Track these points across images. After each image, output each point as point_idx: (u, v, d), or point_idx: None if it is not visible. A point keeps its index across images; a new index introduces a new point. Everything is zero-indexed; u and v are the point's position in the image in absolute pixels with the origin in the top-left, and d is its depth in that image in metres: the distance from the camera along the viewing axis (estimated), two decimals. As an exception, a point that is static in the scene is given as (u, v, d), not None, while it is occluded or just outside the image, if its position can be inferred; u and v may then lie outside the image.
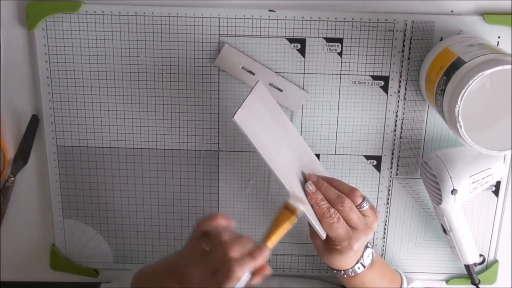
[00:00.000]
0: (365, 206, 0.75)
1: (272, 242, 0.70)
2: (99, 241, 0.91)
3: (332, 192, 0.75)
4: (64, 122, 0.86)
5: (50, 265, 0.92)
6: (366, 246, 0.80)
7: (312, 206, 0.75)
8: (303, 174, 0.77)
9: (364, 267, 0.79)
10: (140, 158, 0.87)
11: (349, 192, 0.75)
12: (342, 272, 0.80)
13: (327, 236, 0.75)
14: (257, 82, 0.76)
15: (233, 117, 0.71)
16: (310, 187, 0.75)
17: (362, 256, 0.79)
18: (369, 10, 0.81)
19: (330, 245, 0.76)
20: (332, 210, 0.74)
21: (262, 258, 0.67)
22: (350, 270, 0.79)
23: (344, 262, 0.79)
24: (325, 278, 0.93)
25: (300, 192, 0.75)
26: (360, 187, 0.85)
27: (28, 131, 0.86)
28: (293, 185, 0.74)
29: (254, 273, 0.67)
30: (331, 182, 0.76)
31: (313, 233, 0.78)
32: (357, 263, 0.79)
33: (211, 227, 0.71)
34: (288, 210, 0.72)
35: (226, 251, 0.66)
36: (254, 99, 0.75)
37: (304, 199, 0.73)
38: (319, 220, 0.75)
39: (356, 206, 0.75)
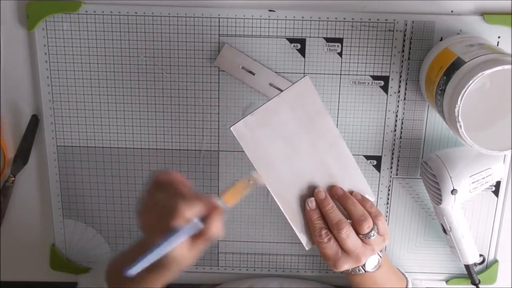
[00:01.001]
0: (372, 236, 0.74)
1: (229, 198, 0.68)
2: (99, 241, 0.91)
3: (333, 215, 0.74)
4: (64, 122, 0.86)
5: (50, 265, 0.92)
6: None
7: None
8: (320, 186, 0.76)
9: (365, 271, 0.78)
10: (140, 158, 0.87)
11: (358, 219, 0.74)
12: (350, 269, 0.78)
13: None
14: (303, 77, 0.73)
15: (230, 127, 0.71)
16: (310, 204, 0.75)
17: (364, 264, 0.77)
18: (369, 10, 0.81)
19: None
20: (324, 231, 0.74)
21: (212, 203, 0.65)
22: (351, 269, 0.78)
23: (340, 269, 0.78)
24: (324, 278, 0.93)
25: (297, 215, 0.75)
26: (360, 187, 0.85)
27: (28, 131, 0.86)
28: (289, 206, 0.75)
29: (207, 224, 0.65)
30: (344, 201, 0.75)
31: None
32: (357, 267, 0.78)
33: (166, 178, 0.69)
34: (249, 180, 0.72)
35: (175, 194, 0.65)
36: (282, 101, 0.73)
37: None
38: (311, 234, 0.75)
39: (361, 235, 0.74)
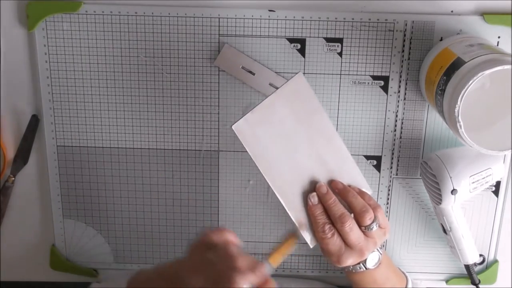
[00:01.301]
0: (374, 228, 0.74)
1: (275, 260, 0.70)
2: (99, 241, 0.91)
3: (336, 209, 0.74)
4: (64, 122, 0.86)
5: (50, 265, 0.92)
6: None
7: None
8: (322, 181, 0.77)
9: (366, 268, 0.78)
10: (140, 158, 0.87)
11: (359, 211, 0.74)
12: (351, 267, 0.78)
13: None
14: (297, 73, 0.74)
15: (231, 125, 0.71)
16: (312, 199, 0.75)
17: (365, 260, 0.78)
18: (369, 10, 0.81)
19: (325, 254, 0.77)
20: (327, 226, 0.74)
21: (263, 273, 0.65)
22: (351, 267, 0.78)
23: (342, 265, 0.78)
24: (325, 278, 0.93)
25: (300, 212, 0.76)
26: (360, 187, 0.85)
27: (28, 131, 0.86)
28: (292, 203, 0.75)
29: None
30: (345, 194, 0.76)
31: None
32: (358, 263, 0.78)
33: (221, 238, 0.68)
34: (292, 234, 0.73)
35: (231, 263, 0.64)
36: (278, 97, 0.73)
37: (306, 226, 0.74)
38: (314, 231, 0.75)
39: (363, 227, 0.74)
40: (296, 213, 0.76)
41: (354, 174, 0.78)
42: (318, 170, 0.76)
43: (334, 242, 0.74)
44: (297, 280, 0.92)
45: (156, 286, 0.69)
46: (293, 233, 0.73)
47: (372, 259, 0.78)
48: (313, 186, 0.76)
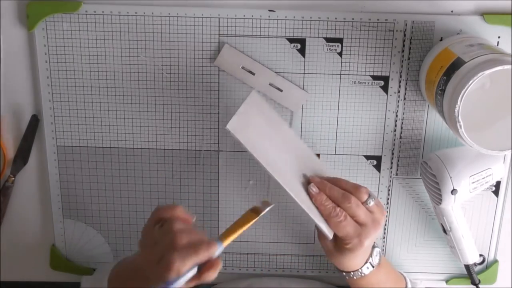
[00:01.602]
0: (371, 202, 0.75)
1: (227, 239, 0.68)
2: (99, 241, 0.91)
3: (336, 191, 0.75)
4: (64, 122, 0.86)
5: (50, 265, 0.92)
6: (373, 246, 0.80)
7: (317, 208, 0.75)
8: (305, 176, 0.77)
9: (373, 266, 0.79)
10: (140, 158, 0.87)
11: (354, 189, 0.75)
12: (351, 273, 0.79)
13: (336, 236, 0.75)
14: (251, 92, 0.77)
15: (226, 126, 0.71)
16: (314, 188, 0.75)
17: (371, 255, 0.79)
18: (369, 10, 0.81)
19: (340, 244, 0.76)
20: (338, 209, 0.74)
21: (208, 254, 0.64)
22: (359, 270, 0.79)
23: (354, 261, 0.78)
24: (324, 278, 0.93)
25: (302, 195, 0.75)
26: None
27: (28, 131, 0.86)
28: (294, 189, 0.74)
29: (202, 269, 0.64)
30: (335, 182, 0.76)
31: (321, 234, 0.77)
32: (366, 262, 0.79)
33: (167, 214, 0.68)
34: (253, 212, 0.71)
35: (171, 241, 0.64)
36: (248, 107, 0.75)
37: (270, 203, 0.72)
38: (326, 221, 0.75)
39: (362, 203, 0.75)
40: (308, 206, 0.75)
41: (327, 172, 0.80)
42: (302, 167, 0.78)
43: (349, 222, 0.74)
44: (296, 280, 0.92)
45: (124, 270, 0.73)
46: (255, 209, 0.71)
47: (375, 255, 0.79)
48: (306, 180, 0.77)
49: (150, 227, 0.68)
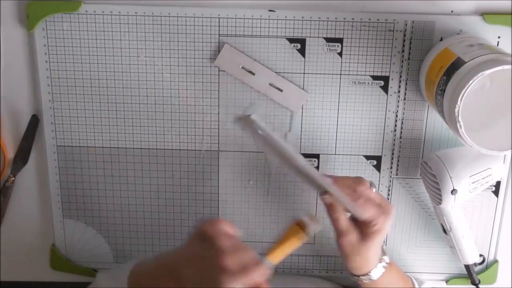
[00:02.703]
0: (374, 189, 0.77)
1: (276, 258, 0.65)
2: (99, 241, 0.91)
3: (346, 179, 0.76)
4: (64, 122, 0.86)
5: (50, 265, 0.92)
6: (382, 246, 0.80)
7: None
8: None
9: (384, 267, 0.79)
10: (140, 158, 0.87)
11: (356, 179, 0.77)
12: (365, 276, 0.79)
13: (362, 225, 0.75)
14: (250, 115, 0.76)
15: (250, 115, 0.71)
16: (326, 196, 0.75)
17: (382, 255, 0.79)
18: (369, 10, 0.81)
19: (367, 230, 0.75)
20: (357, 192, 0.75)
21: (258, 275, 0.61)
22: (372, 272, 0.79)
23: (374, 253, 0.78)
24: (332, 278, 0.92)
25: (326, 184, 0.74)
26: (360, 187, 0.85)
27: (28, 131, 0.86)
28: (318, 175, 0.73)
29: None
30: (337, 177, 0.78)
31: (341, 233, 0.76)
32: (380, 262, 0.79)
33: (214, 230, 0.64)
34: (299, 226, 0.69)
35: (219, 259, 0.60)
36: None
37: (317, 220, 0.69)
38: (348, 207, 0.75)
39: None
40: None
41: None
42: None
43: (370, 203, 0.75)
44: (304, 279, 0.91)
45: (154, 278, 0.68)
46: (300, 224, 0.68)
47: (386, 256, 0.80)
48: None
49: (193, 241, 0.65)
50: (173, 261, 0.67)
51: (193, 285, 0.62)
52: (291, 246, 0.67)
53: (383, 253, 0.80)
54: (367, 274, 0.79)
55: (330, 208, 0.75)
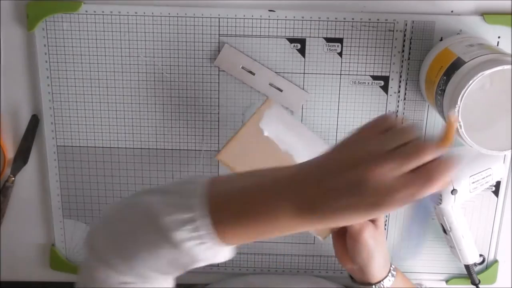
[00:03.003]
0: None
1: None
2: (99, 241, 0.91)
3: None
4: (64, 122, 0.86)
5: (50, 265, 0.92)
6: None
7: None
8: None
9: (394, 276, 0.79)
10: (140, 158, 0.87)
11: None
12: (376, 285, 0.79)
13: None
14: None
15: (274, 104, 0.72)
16: None
17: (391, 265, 0.80)
18: (369, 10, 0.81)
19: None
20: None
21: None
22: (382, 282, 0.79)
23: (386, 255, 0.78)
24: (334, 279, 0.92)
25: None
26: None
27: (28, 131, 0.86)
28: None
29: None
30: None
31: (361, 228, 0.73)
32: (389, 272, 0.79)
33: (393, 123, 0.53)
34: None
35: (432, 143, 0.50)
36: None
37: None
38: None
39: None
40: None
41: None
42: None
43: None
44: (307, 279, 0.91)
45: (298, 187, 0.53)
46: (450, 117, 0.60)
47: (393, 268, 0.80)
48: None
49: (372, 131, 0.53)
50: (323, 165, 0.53)
51: (388, 186, 0.50)
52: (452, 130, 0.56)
53: (391, 264, 0.80)
54: (381, 282, 0.79)
55: None
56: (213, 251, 0.53)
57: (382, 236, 0.77)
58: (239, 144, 0.69)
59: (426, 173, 0.50)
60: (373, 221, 0.76)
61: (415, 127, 0.52)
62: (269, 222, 0.52)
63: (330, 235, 0.80)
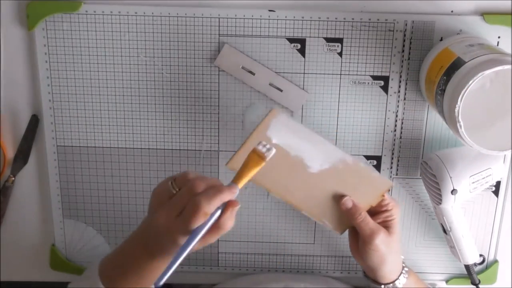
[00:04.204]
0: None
1: (241, 182, 0.68)
2: (99, 241, 0.91)
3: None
4: (64, 122, 0.86)
5: (50, 265, 0.92)
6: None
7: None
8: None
9: (405, 277, 0.80)
10: (140, 158, 0.87)
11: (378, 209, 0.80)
12: (390, 285, 0.80)
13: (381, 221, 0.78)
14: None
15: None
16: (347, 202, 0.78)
17: (403, 267, 0.81)
18: (369, 10, 0.81)
19: (388, 223, 0.78)
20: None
21: (230, 193, 0.65)
22: (393, 283, 0.79)
23: (399, 257, 0.80)
24: (345, 279, 0.92)
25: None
26: (360, 187, 0.85)
27: (28, 131, 0.86)
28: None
29: (223, 209, 0.65)
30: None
31: (373, 233, 0.76)
32: (400, 273, 0.80)
33: (176, 175, 0.69)
34: (258, 156, 0.70)
35: (192, 187, 0.64)
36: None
37: (271, 147, 0.70)
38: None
39: None
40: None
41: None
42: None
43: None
44: (317, 278, 0.91)
45: (130, 252, 0.71)
46: (257, 151, 0.70)
47: (406, 268, 0.81)
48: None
49: (163, 184, 0.68)
50: (146, 221, 0.71)
51: (166, 227, 0.65)
52: (251, 171, 0.69)
53: (403, 265, 0.81)
54: (392, 283, 0.80)
55: (352, 213, 0.77)
56: None
57: (396, 243, 0.78)
58: (248, 152, 0.70)
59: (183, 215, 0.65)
60: (386, 227, 0.77)
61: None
62: (136, 265, 0.70)
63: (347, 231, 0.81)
